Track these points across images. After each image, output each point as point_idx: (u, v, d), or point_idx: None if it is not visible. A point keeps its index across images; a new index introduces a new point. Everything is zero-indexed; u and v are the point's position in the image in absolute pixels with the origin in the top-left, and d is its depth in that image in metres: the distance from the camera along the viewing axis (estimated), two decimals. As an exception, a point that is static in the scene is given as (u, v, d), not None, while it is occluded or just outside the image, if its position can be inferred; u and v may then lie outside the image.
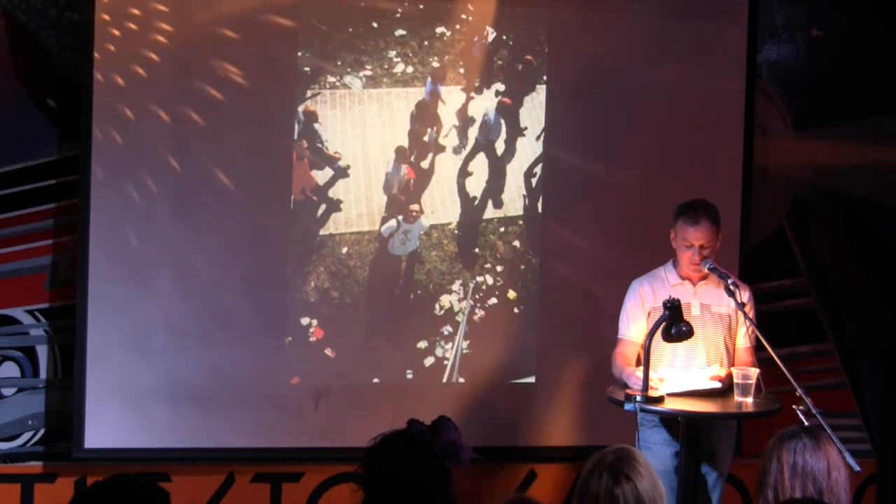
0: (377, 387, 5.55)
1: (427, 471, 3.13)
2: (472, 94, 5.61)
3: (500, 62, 5.66)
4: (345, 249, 5.52)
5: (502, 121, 5.66)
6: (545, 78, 5.68)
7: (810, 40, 6.08)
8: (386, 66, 5.53)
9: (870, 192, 6.17)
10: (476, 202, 5.66)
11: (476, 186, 5.65)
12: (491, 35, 5.63)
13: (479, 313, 5.67)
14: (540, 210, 5.72)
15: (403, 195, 5.57)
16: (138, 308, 5.27)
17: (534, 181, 5.71)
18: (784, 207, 6.10)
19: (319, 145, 5.49)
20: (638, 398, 4.58)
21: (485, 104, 5.63)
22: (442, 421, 3.22)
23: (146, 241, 5.29)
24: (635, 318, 4.95)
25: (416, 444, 3.16)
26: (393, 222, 5.56)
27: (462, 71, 5.60)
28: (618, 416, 4.80)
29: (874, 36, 6.13)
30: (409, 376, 5.59)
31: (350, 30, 5.49)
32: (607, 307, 5.20)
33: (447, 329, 5.63)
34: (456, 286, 5.64)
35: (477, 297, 5.66)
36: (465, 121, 5.61)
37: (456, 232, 5.64)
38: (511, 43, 5.66)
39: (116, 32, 5.21)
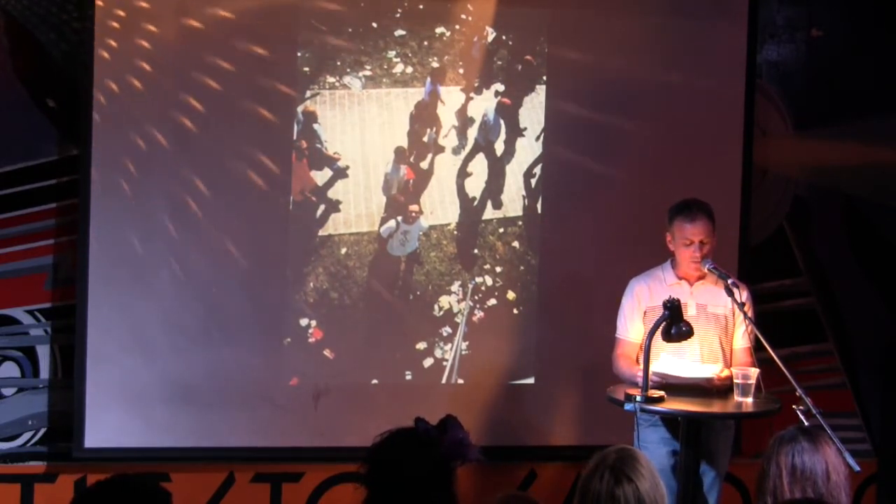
0: (376, 388, 5.54)
1: (432, 470, 3.11)
2: (472, 95, 5.61)
3: (499, 62, 5.65)
4: (344, 250, 5.52)
5: (502, 121, 5.66)
6: (545, 78, 5.68)
7: (810, 40, 6.07)
8: (385, 67, 5.52)
9: (870, 192, 6.17)
10: (475, 203, 5.65)
11: (475, 187, 5.65)
12: (491, 35, 5.63)
13: (479, 314, 5.66)
14: (539, 210, 5.71)
15: (403, 196, 5.56)
16: (138, 308, 5.27)
17: (533, 181, 5.70)
18: (784, 207, 6.10)
19: (319, 146, 5.48)
20: (638, 398, 4.58)
21: (484, 104, 5.63)
22: (449, 420, 3.18)
23: (146, 241, 5.28)
24: (632, 319, 4.97)
25: (422, 443, 3.13)
26: (392, 223, 5.56)
27: (461, 71, 5.60)
28: (618, 415, 4.80)
29: (874, 36, 6.12)
30: (409, 377, 5.59)
31: (350, 30, 5.48)
32: (607, 308, 5.19)
33: (446, 330, 5.63)
34: (455, 287, 5.64)
35: (476, 297, 5.66)
36: (464, 121, 5.61)
37: (455, 233, 5.63)
38: (511, 43, 5.65)
39: (116, 32, 5.21)
